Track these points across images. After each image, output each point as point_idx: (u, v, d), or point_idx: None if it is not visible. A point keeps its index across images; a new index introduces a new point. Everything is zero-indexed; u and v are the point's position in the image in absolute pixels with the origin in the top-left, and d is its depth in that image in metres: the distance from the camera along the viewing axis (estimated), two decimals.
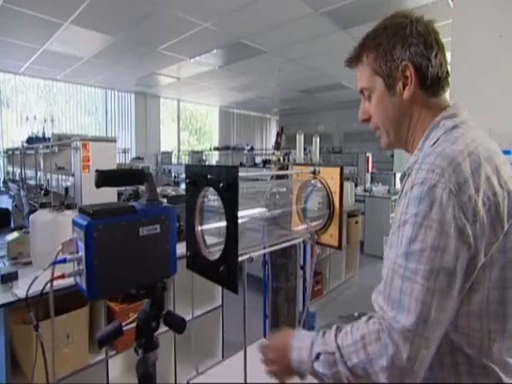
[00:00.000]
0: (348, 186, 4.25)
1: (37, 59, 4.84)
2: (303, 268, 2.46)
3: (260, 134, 10.67)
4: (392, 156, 7.81)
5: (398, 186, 6.38)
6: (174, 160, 7.43)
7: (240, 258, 0.90)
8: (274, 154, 2.04)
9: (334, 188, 1.24)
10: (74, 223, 0.68)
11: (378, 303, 0.60)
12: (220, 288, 2.33)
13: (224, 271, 0.89)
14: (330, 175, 1.25)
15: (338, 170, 1.23)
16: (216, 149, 6.54)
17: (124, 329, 0.77)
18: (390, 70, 0.70)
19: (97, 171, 0.71)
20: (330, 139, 8.94)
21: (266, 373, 0.79)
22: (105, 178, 0.73)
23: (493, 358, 0.60)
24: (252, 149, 5.62)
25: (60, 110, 6.50)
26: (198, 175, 0.96)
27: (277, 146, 4.62)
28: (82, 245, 0.65)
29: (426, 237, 0.56)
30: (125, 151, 4.25)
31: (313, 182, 1.31)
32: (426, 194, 0.57)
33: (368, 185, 6.50)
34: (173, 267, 0.80)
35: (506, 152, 2.05)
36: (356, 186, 6.06)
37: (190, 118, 9.20)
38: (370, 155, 6.80)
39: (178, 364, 2.06)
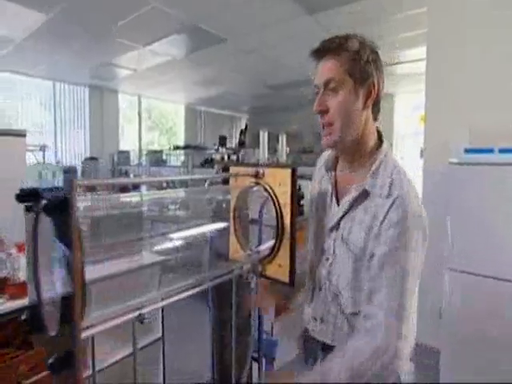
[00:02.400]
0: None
1: None
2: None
3: (229, 134, 10.22)
4: None
5: None
6: (136, 160, 6.85)
7: (88, 334, 0.49)
8: (217, 150, 1.63)
9: (284, 198, 0.85)
10: None
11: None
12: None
13: (55, 362, 0.47)
14: (278, 180, 0.86)
15: (287, 172, 0.83)
16: (176, 148, 6.04)
17: None
18: (361, 78, 0.79)
19: None
20: (301, 139, 8.66)
21: None
22: None
23: None
24: (218, 149, 5.20)
25: None
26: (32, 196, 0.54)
27: (240, 144, 4.24)
28: None
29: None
30: (42, 149, 3.65)
31: (255, 189, 0.91)
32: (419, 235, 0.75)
33: None
34: None
35: (504, 151, 1.77)
36: None
37: (160, 117, 8.72)
38: None
39: None
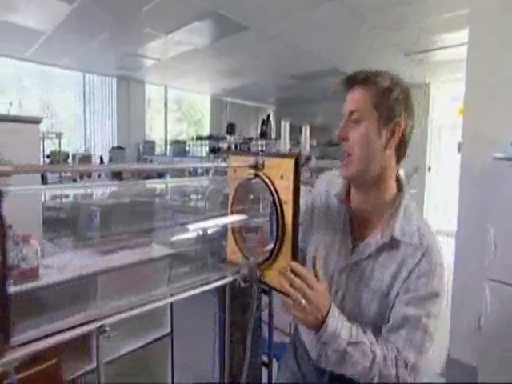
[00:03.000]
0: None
1: None
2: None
3: (256, 125, 10.08)
4: None
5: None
6: (160, 150, 6.91)
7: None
8: (225, 139, 1.52)
9: (285, 194, 0.72)
10: None
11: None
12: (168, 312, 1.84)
13: None
14: (280, 171, 0.73)
15: (290, 162, 0.70)
16: (199, 138, 6.00)
17: None
18: (387, 116, 0.77)
19: None
20: (329, 131, 8.37)
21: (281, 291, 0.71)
22: None
23: None
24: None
25: (32, 94, 5.98)
26: None
27: (262, 135, 4.10)
28: None
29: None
30: (58, 136, 3.67)
31: (254, 181, 0.78)
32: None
33: None
34: None
35: None
36: None
37: (189, 109, 8.83)
38: None
39: None
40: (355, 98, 0.78)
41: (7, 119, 1.83)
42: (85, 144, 6.38)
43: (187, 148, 6.40)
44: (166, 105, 7.70)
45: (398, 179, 0.84)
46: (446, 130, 7.06)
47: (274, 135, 4.55)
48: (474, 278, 1.93)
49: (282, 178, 0.71)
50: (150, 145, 6.53)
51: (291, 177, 0.69)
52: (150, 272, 1.62)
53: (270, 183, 0.73)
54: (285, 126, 2.80)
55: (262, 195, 0.79)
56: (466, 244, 2.18)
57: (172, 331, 1.86)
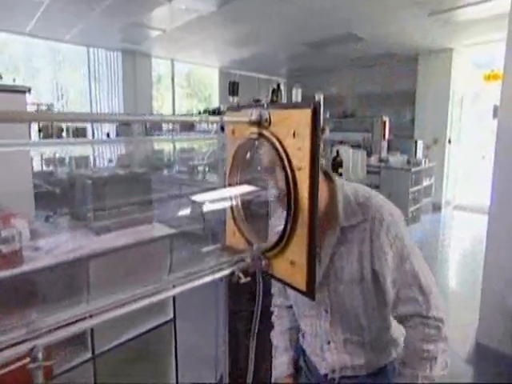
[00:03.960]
0: (359, 155, 3.48)
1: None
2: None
3: (267, 99, 9.72)
4: (412, 121, 6.86)
5: (420, 155, 5.53)
6: (168, 126, 6.72)
7: None
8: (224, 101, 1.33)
9: (299, 157, 0.53)
10: None
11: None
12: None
13: None
14: (292, 128, 0.54)
15: (305, 113, 0.51)
16: (206, 112, 5.77)
17: None
18: None
19: None
20: (344, 102, 7.98)
21: None
22: None
23: None
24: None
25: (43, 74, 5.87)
26: None
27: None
28: None
29: None
30: (50, 108, 3.50)
31: (257, 142, 0.60)
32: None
33: (384, 154, 5.66)
34: None
35: None
36: (369, 155, 5.26)
37: (199, 85, 8.62)
38: (386, 119, 5.89)
39: None
40: None
41: None
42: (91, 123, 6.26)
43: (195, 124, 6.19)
44: (173, 79, 7.44)
45: (325, 173, 0.83)
46: (468, 98, 6.61)
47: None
48: (507, 260, 1.73)
49: (294, 135, 0.53)
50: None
51: (307, 133, 0.51)
52: (149, 256, 1.48)
53: (277, 144, 0.55)
54: (297, 94, 2.56)
55: (269, 162, 0.61)
56: (500, 219, 1.96)
57: (175, 318, 1.74)
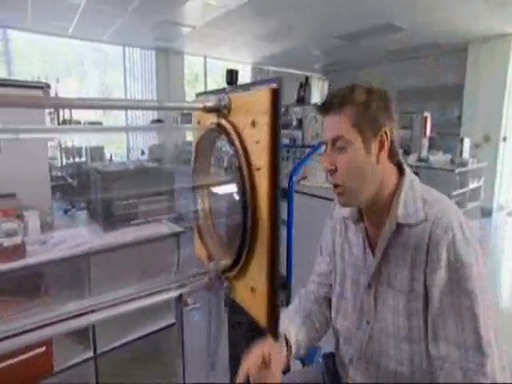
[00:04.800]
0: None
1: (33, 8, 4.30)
2: None
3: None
4: (459, 118, 6.31)
5: (466, 154, 5.04)
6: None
7: None
8: (223, 90, 1.21)
9: (258, 154, 0.40)
10: None
11: None
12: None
13: None
14: (251, 115, 0.41)
15: (264, 96, 0.37)
16: None
17: None
18: (372, 131, 0.72)
19: None
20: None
21: None
22: None
23: None
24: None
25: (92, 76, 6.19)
26: None
27: (299, 100, 3.67)
28: None
29: None
30: None
31: (217, 133, 0.47)
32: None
33: (424, 153, 5.25)
34: None
35: None
36: (407, 153, 4.91)
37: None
38: (428, 116, 5.45)
39: None
40: (335, 125, 0.72)
41: (6, 84, 1.69)
42: (126, 117, 6.51)
43: None
44: (205, 74, 7.50)
45: (398, 165, 0.78)
46: None
47: (314, 100, 4.07)
48: None
49: (253, 125, 0.40)
50: (188, 117, 6.41)
51: (267, 121, 0.38)
52: (148, 256, 1.42)
53: (234, 136, 0.42)
54: (323, 87, 2.38)
55: (228, 160, 0.49)
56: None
57: (182, 321, 1.67)
